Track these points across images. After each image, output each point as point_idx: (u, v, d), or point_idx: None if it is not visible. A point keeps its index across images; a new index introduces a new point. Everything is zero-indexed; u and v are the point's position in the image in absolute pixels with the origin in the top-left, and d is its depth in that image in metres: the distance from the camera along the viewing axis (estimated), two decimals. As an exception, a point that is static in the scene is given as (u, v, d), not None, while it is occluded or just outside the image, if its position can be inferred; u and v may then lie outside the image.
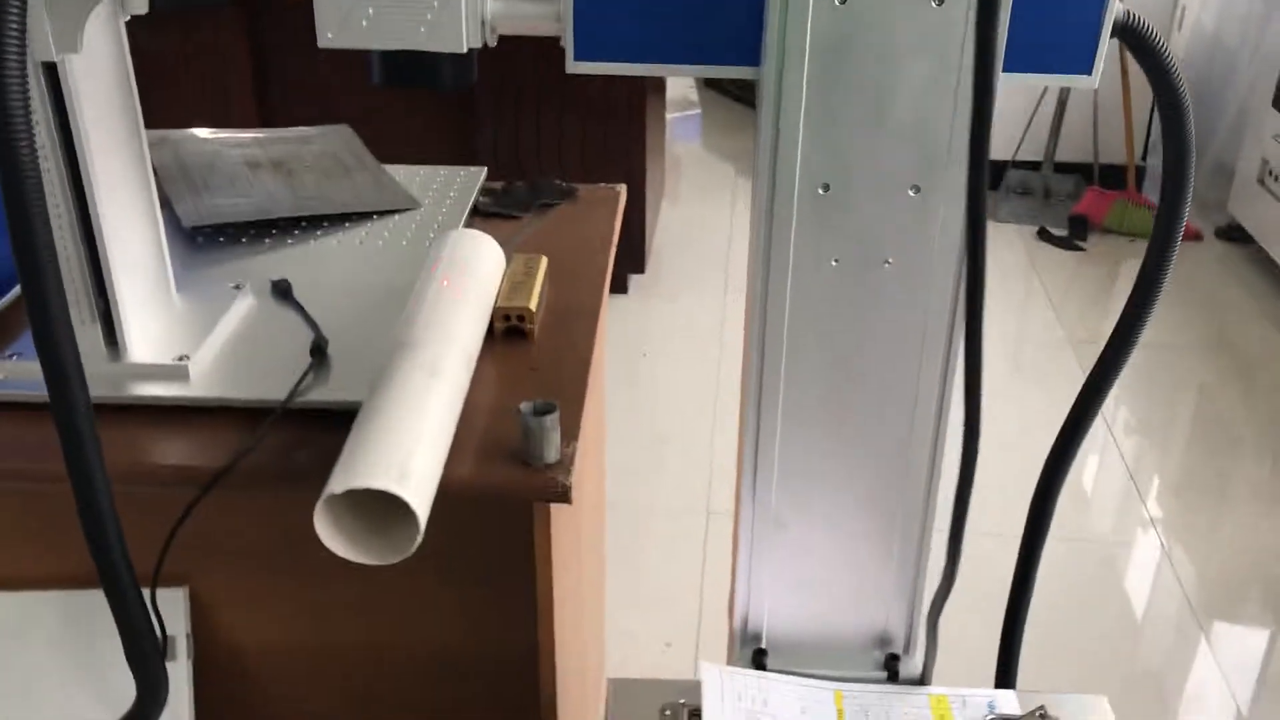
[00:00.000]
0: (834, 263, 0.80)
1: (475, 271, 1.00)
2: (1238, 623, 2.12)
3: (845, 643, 0.97)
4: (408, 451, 0.75)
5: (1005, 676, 1.00)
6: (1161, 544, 2.31)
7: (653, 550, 2.18)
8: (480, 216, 1.30)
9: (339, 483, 0.71)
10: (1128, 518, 2.41)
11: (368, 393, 0.82)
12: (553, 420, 0.83)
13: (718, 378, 2.76)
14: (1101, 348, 0.85)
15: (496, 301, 1.01)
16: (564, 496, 0.83)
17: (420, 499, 0.72)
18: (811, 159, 0.76)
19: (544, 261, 1.09)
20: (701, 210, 3.86)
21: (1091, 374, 0.87)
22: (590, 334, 1.02)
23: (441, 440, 0.80)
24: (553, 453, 0.84)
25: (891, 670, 0.97)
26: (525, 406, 0.83)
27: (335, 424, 0.84)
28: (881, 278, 0.80)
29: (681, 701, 0.94)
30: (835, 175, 0.77)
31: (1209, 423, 2.79)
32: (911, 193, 0.77)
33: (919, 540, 0.93)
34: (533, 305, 1.01)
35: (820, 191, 0.77)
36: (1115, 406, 2.76)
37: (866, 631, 0.97)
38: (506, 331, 1.01)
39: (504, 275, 1.05)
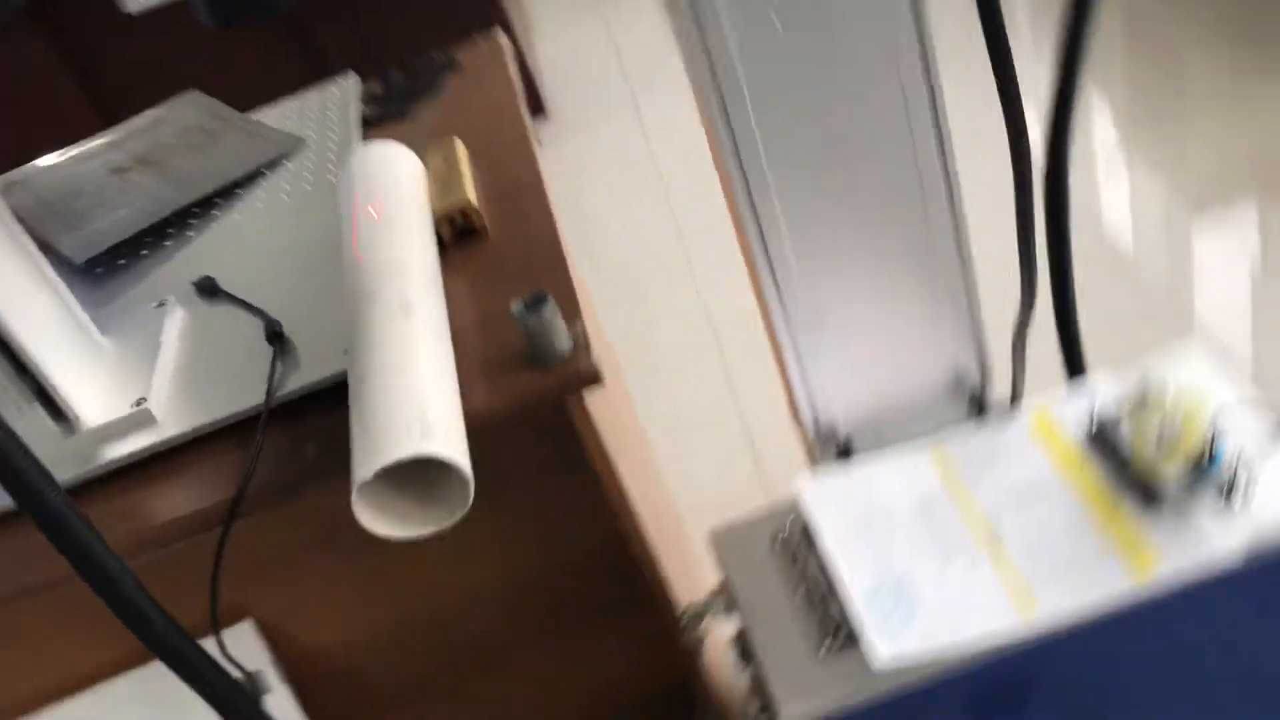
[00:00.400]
0: (780, 27, 0.70)
1: (397, 187, 0.90)
2: (1229, 210, 2.09)
3: (924, 401, 0.92)
4: (420, 405, 0.67)
5: (1075, 365, 0.95)
6: (1129, 166, 2.26)
7: (675, 390, 2.12)
8: (372, 126, 1.18)
9: (365, 467, 0.63)
10: (1090, 155, 2.35)
11: (348, 359, 0.74)
12: (551, 309, 0.75)
13: (668, 199, 2.65)
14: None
15: (433, 207, 0.92)
16: (594, 379, 0.75)
17: (455, 449, 0.65)
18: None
19: (460, 146, 0.99)
20: (578, 30, 3.67)
21: (1066, 30, 0.79)
22: (542, 203, 0.93)
23: (446, 378, 0.72)
24: (564, 341, 0.76)
25: (979, 408, 0.92)
26: (517, 307, 0.75)
27: (328, 403, 0.76)
28: (834, 22, 0.71)
29: (789, 525, 0.89)
30: (744, -79, 0.66)
31: (1146, 42, 2.70)
32: (831, -93, 0.67)
33: (960, 266, 0.86)
34: (472, 198, 0.92)
35: (734, -54, 0.67)
36: (1039, 55, 2.65)
37: (941, 380, 0.92)
38: (457, 236, 0.92)
39: (427, 177, 0.95)
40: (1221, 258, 1.99)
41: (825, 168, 0.78)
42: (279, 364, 0.83)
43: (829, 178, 0.78)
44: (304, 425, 0.79)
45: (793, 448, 0.99)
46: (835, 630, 0.80)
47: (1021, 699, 0.82)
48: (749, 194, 0.77)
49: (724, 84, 0.72)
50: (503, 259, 0.88)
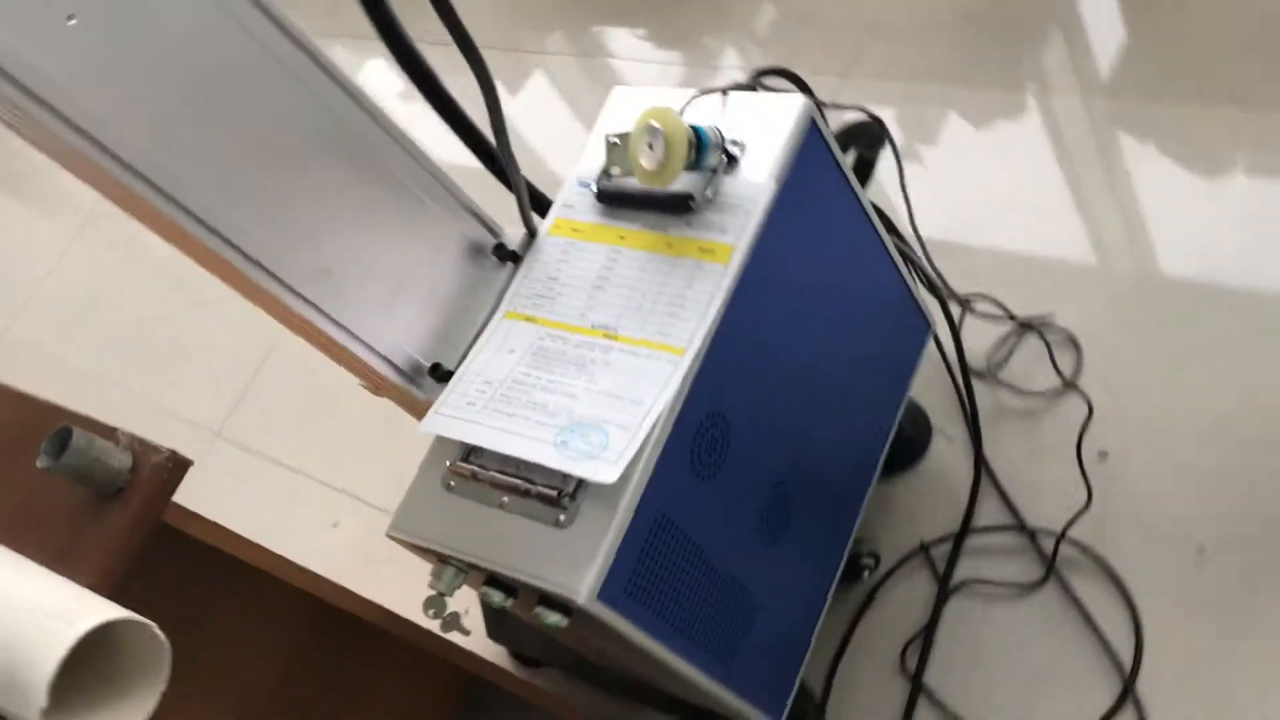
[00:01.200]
0: (71, 22, 0.63)
1: None
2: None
3: (464, 284, 0.91)
4: (34, 609, 0.55)
5: (536, 198, 0.98)
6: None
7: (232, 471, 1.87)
8: None
9: (32, 698, 0.52)
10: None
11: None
12: (85, 437, 0.65)
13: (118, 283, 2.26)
14: None
15: None
16: (181, 466, 0.67)
17: (107, 612, 0.55)
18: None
19: None
20: None
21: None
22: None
23: (30, 574, 0.60)
24: (121, 457, 0.66)
25: (510, 256, 0.93)
26: (44, 460, 0.64)
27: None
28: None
29: (445, 464, 0.85)
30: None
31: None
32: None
33: (411, 159, 0.86)
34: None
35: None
36: None
37: (466, 259, 0.91)
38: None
39: None
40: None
41: (239, 158, 0.73)
42: None
43: (249, 160, 0.73)
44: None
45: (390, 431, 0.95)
46: (558, 500, 0.79)
47: (722, 418, 0.86)
48: (195, 219, 0.71)
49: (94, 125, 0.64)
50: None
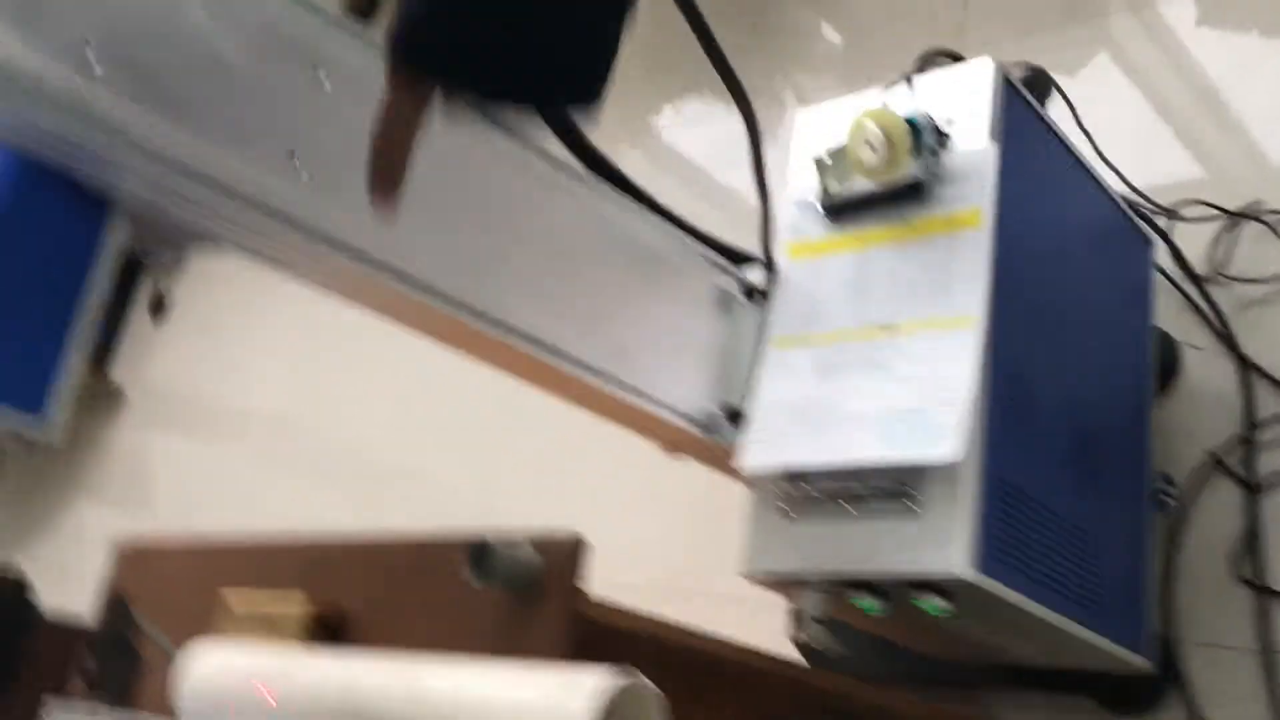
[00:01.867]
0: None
1: (243, 671, 0.79)
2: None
3: (728, 325, 0.96)
4: (524, 684, 0.60)
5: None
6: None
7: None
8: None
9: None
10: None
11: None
12: (500, 545, 0.70)
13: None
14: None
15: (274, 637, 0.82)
16: (582, 546, 0.72)
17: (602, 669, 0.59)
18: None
19: (236, 595, 0.89)
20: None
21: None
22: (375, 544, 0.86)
23: (496, 669, 0.65)
24: (528, 553, 0.71)
25: (756, 293, 0.97)
26: (472, 575, 0.69)
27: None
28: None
29: (769, 497, 0.89)
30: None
31: None
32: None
33: (672, 241, 0.91)
34: (301, 610, 0.83)
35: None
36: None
37: (719, 307, 0.96)
38: (332, 636, 0.82)
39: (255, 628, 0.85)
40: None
41: (513, 266, 0.79)
42: None
43: (526, 264, 0.80)
44: None
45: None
46: (902, 492, 0.82)
47: (1020, 372, 0.89)
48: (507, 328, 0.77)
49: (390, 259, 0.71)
50: (399, 600, 0.81)
